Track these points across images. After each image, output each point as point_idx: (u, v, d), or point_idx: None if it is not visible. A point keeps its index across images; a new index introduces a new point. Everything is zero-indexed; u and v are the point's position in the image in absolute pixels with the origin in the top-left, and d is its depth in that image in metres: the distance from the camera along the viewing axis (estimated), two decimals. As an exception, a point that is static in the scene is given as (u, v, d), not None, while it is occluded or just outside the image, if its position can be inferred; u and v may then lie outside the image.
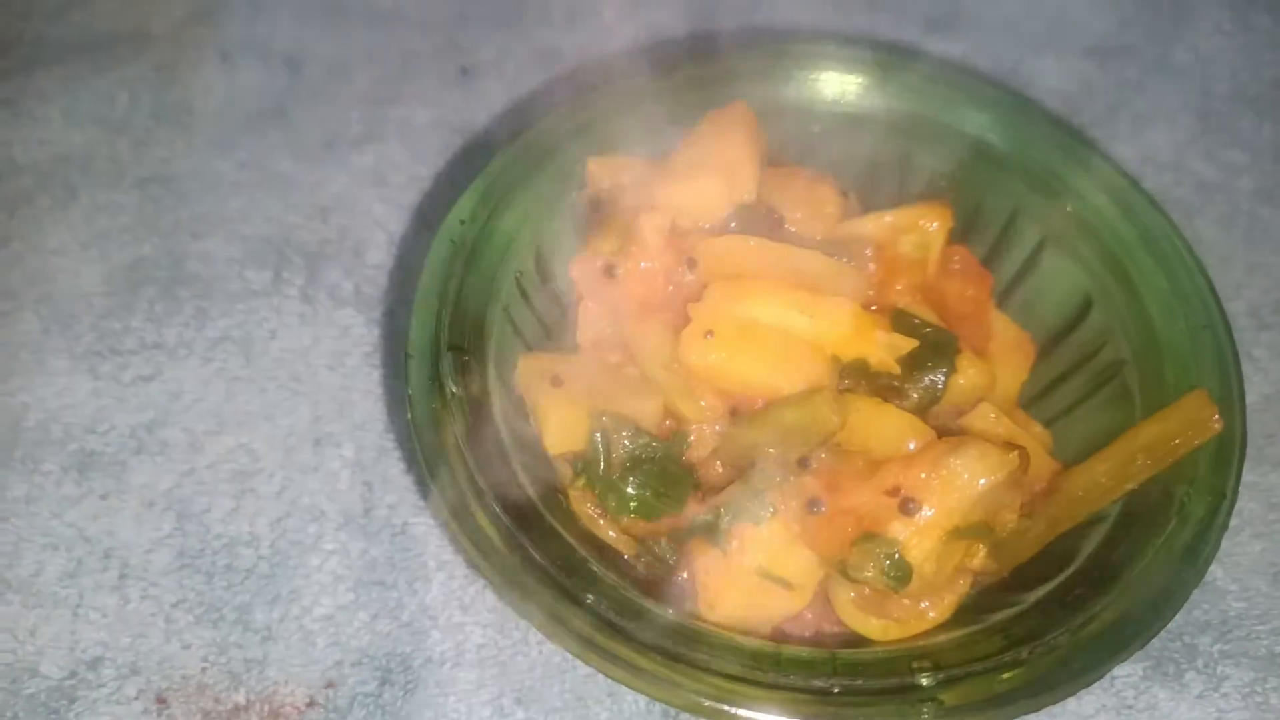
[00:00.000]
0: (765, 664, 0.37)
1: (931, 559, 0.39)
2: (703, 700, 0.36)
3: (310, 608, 0.51)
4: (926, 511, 0.38)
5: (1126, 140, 0.69)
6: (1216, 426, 0.41)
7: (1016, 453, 0.39)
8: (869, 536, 0.39)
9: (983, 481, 0.38)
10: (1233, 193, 0.66)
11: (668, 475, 0.43)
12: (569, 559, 0.40)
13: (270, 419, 0.57)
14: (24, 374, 0.58)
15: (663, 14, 0.74)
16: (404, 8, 0.75)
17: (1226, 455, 0.41)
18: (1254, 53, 0.74)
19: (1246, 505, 0.54)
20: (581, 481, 0.43)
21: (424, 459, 0.41)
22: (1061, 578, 0.41)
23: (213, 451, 0.56)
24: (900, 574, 0.39)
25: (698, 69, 0.53)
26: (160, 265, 0.63)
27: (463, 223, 0.47)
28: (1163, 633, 0.42)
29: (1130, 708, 0.48)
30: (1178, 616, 0.42)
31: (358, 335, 0.60)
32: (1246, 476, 0.54)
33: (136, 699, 0.49)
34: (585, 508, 0.44)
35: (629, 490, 0.43)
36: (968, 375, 0.44)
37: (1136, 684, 0.49)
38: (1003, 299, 0.52)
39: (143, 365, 0.59)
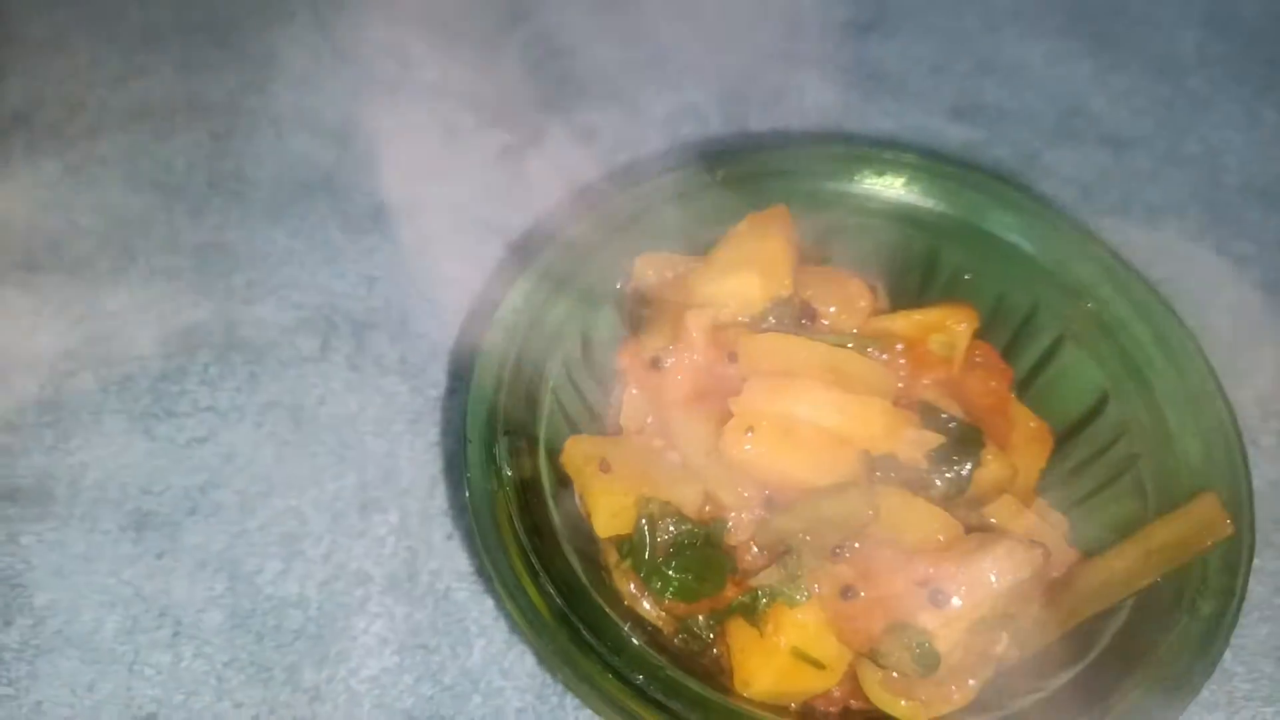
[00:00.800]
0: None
1: (959, 648, 0.41)
2: (743, 779, 0.38)
3: (357, 669, 0.54)
4: (955, 603, 0.41)
5: (1139, 228, 0.72)
6: (1228, 530, 0.44)
7: (1040, 551, 0.42)
8: (899, 625, 0.41)
9: (1010, 579, 0.41)
10: (1241, 283, 0.69)
11: (708, 560, 0.46)
12: (616, 637, 0.43)
13: (318, 483, 0.60)
14: (83, 434, 0.61)
15: (696, 95, 0.77)
16: (451, 83, 0.79)
17: (1235, 556, 0.44)
18: (1262, 146, 0.77)
19: (1254, 589, 0.55)
20: (627, 563, 0.46)
21: (481, 540, 0.44)
22: (1079, 666, 0.43)
23: (263, 514, 0.59)
24: (928, 661, 0.41)
25: (736, 166, 0.56)
26: (214, 330, 0.66)
27: (516, 310, 0.50)
28: (1173, 714, 0.44)
29: (1141, 787, 0.50)
30: (1185, 699, 0.44)
31: (403, 403, 0.63)
32: (1255, 562, 0.57)
33: (190, 756, 0.51)
34: (628, 586, 0.47)
35: (671, 574, 0.45)
36: (991, 469, 0.47)
37: (1147, 764, 0.51)
38: (1021, 389, 0.55)
39: (197, 427, 0.62)
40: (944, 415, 0.47)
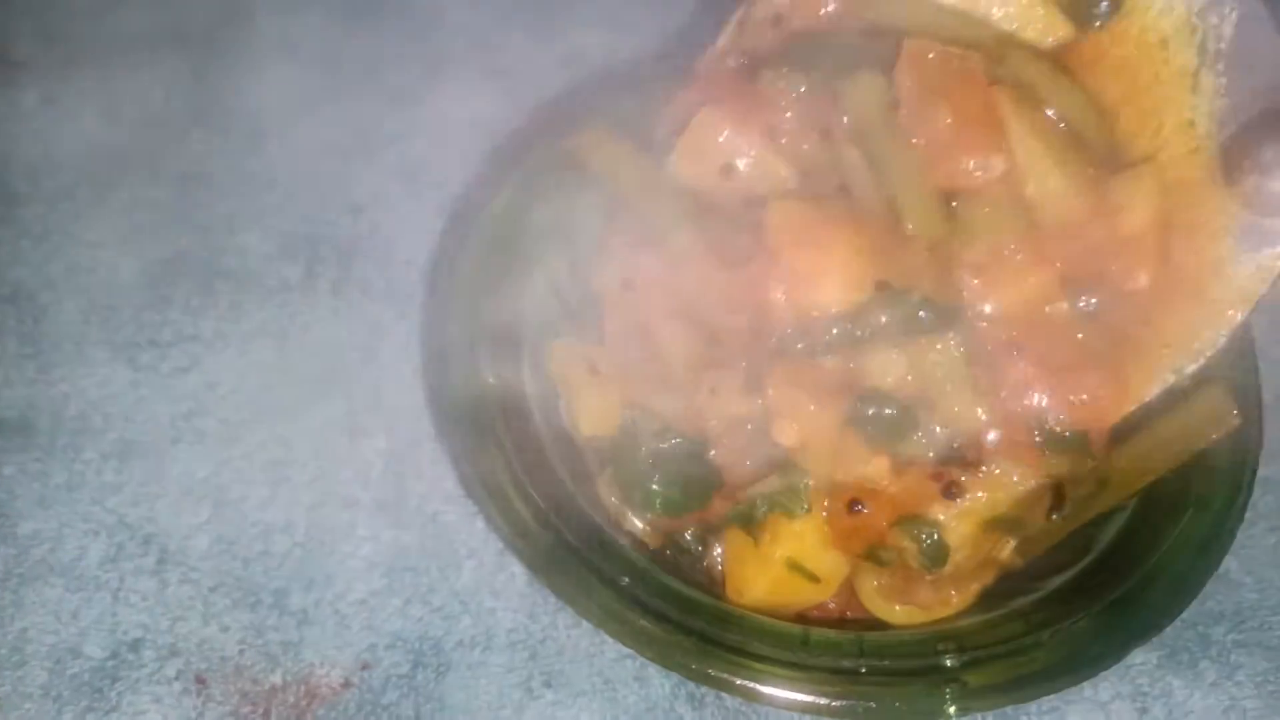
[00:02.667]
0: (794, 646, 0.39)
1: (967, 545, 0.40)
2: (734, 679, 0.37)
3: (344, 593, 0.53)
4: (969, 498, 0.39)
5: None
6: (1235, 421, 0.42)
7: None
8: (910, 518, 0.40)
9: (1032, 482, 0.40)
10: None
11: (693, 475, 0.44)
12: (602, 543, 0.42)
13: (304, 411, 0.59)
14: (65, 364, 0.60)
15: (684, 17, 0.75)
16: (439, 7, 0.77)
17: (1242, 450, 0.42)
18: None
19: (1263, 499, 0.55)
20: (608, 472, 0.44)
21: (463, 449, 0.42)
22: (1080, 566, 0.42)
23: (248, 441, 0.58)
24: (937, 554, 0.40)
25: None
26: (197, 259, 0.64)
27: (498, 217, 0.49)
28: (1178, 623, 0.43)
29: (1145, 695, 0.49)
30: (1193, 607, 0.43)
31: (389, 330, 0.62)
32: (1263, 471, 0.55)
33: (176, 679, 0.50)
34: (611, 500, 0.45)
35: (654, 487, 0.44)
36: None
37: (1151, 672, 0.50)
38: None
39: (180, 357, 0.60)
40: None
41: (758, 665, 0.38)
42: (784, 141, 0.41)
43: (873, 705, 0.36)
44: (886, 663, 0.38)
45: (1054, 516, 0.41)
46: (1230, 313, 0.40)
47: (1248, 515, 0.50)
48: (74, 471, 0.56)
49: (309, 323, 0.62)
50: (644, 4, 0.76)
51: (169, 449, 0.57)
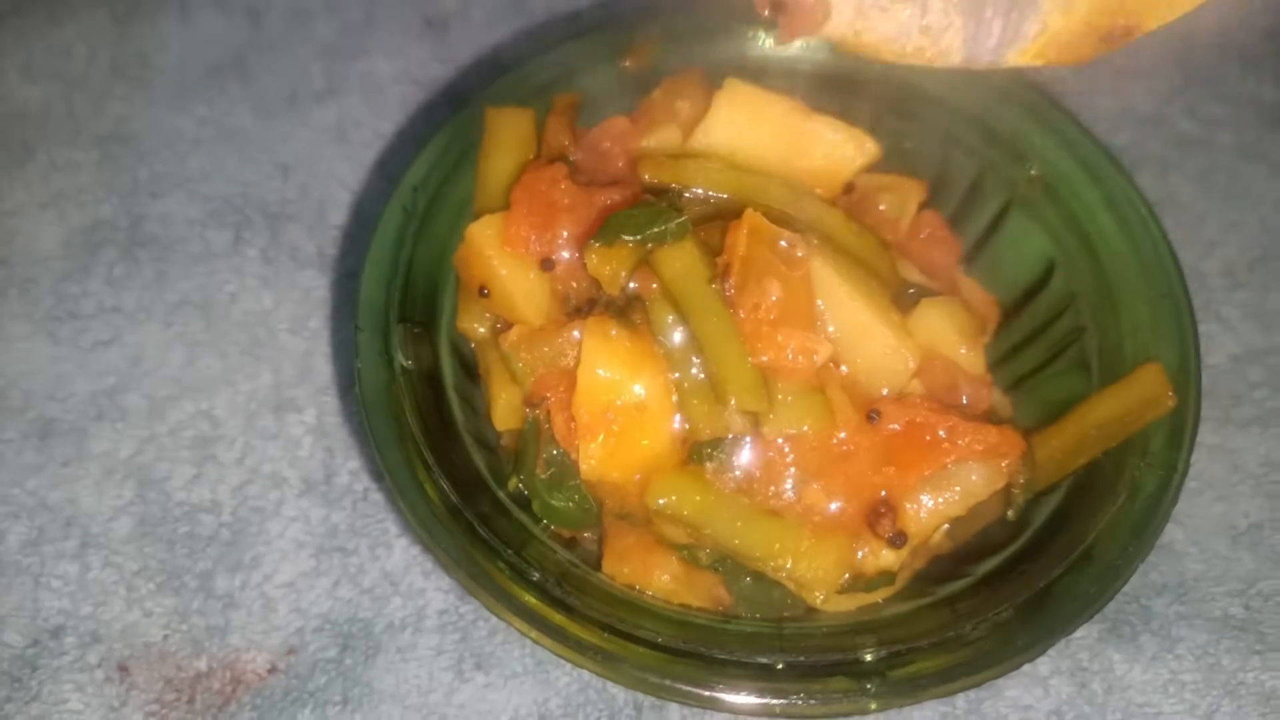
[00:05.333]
0: (711, 639, 0.37)
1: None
2: (648, 676, 0.36)
3: (272, 574, 0.51)
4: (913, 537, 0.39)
5: (1106, 94, 0.67)
6: (1170, 403, 0.41)
7: (1007, 466, 0.39)
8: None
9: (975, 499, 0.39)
10: (1212, 147, 0.65)
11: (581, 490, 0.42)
12: (516, 534, 0.40)
13: (231, 384, 0.57)
14: (-18, 339, 0.58)
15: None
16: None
17: (1179, 430, 0.41)
18: (1245, 2, 0.71)
19: (1209, 468, 0.54)
20: (514, 481, 0.43)
21: (373, 435, 0.41)
22: (1011, 550, 0.41)
23: (173, 418, 0.56)
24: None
25: (661, 27, 0.51)
26: (119, 226, 0.62)
27: (415, 189, 0.46)
28: (1119, 595, 0.42)
29: (1085, 670, 0.49)
30: (1135, 579, 0.42)
31: (320, 298, 0.60)
32: (1210, 439, 0.54)
33: (99, 667, 0.49)
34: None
35: (553, 502, 0.42)
36: None
37: (1092, 646, 0.49)
38: (968, 261, 0.51)
39: (102, 329, 0.58)
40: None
41: (673, 661, 0.36)
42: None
43: (793, 702, 0.35)
44: (805, 658, 0.37)
45: (1010, 515, 0.41)
46: None
47: (1193, 484, 0.49)
48: (-8, 452, 0.54)
49: (236, 292, 0.60)
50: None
51: (90, 427, 0.55)
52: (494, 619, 0.50)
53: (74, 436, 0.55)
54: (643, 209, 0.40)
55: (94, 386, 0.57)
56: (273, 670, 0.49)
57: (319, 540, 0.52)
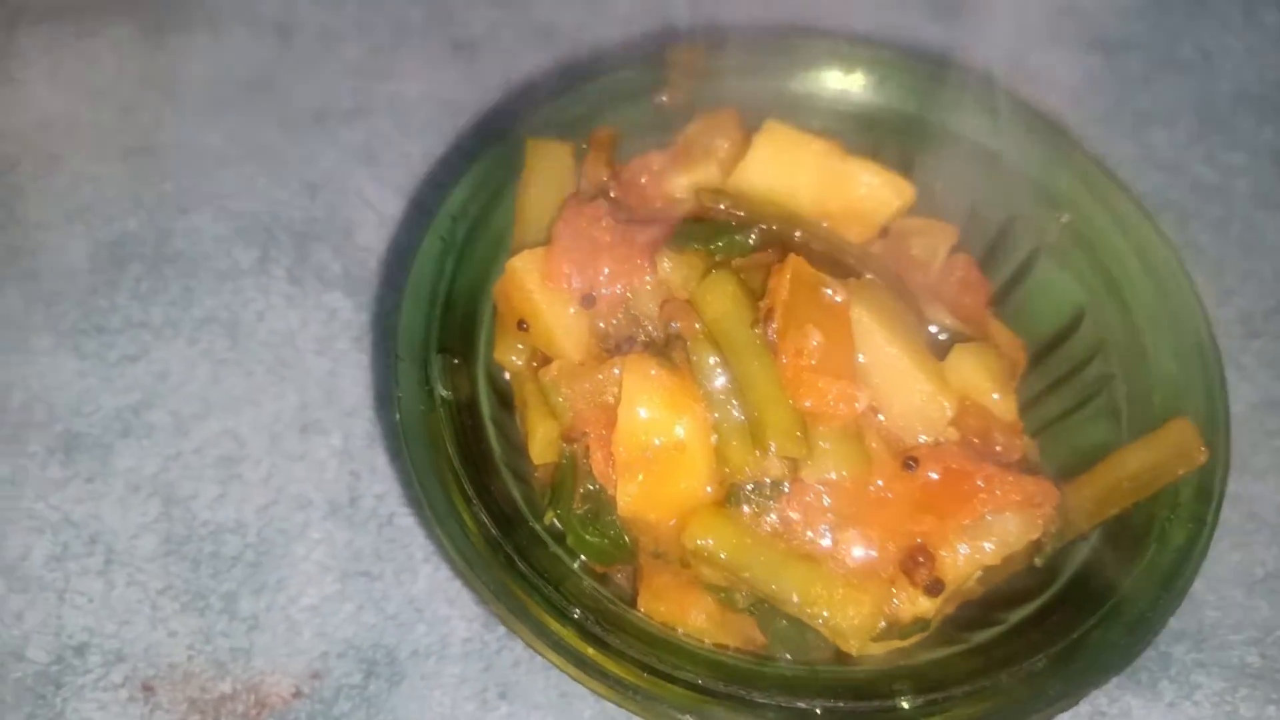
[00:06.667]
0: (749, 681, 0.38)
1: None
2: (687, 718, 0.37)
3: (296, 597, 0.52)
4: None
5: (1128, 138, 0.68)
6: (1202, 458, 0.41)
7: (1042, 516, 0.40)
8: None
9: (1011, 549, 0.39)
10: (1230, 196, 0.66)
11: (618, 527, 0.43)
12: (554, 568, 0.40)
13: (257, 404, 0.57)
14: (7, 352, 0.58)
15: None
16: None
17: (1208, 482, 0.41)
18: (1261, 52, 0.73)
19: (1227, 516, 0.53)
20: (551, 515, 0.43)
21: (413, 464, 0.41)
22: (1042, 600, 0.41)
23: (199, 436, 0.56)
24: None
25: (696, 60, 0.52)
26: (146, 241, 0.62)
27: (454, 219, 0.47)
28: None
29: (1104, 715, 0.49)
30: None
31: (346, 319, 0.60)
32: (1228, 487, 0.55)
33: (123, 686, 0.49)
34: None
35: (588, 537, 0.42)
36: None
37: (1110, 691, 0.50)
38: (995, 304, 0.52)
39: (128, 345, 0.58)
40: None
41: (710, 703, 0.37)
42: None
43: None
44: (841, 704, 0.37)
45: (1038, 562, 0.41)
46: None
47: (1212, 532, 0.50)
48: (17, 466, 0.54)
49: (262, 311, 0.60)
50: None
51: (116, 442, 0.55)
52: (518, 648, 0.50)
53: (99, 452, 0.55)
54: (710, 223, 0.41)
55: (119, 402, 0.57)
56: (297, 694, 0.49)
57: (344, 564, 0.52)
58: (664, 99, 0.51)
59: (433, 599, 0.52)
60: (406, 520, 0.54)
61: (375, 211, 0.64)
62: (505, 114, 0.66)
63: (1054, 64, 0.71)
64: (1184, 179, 0.67)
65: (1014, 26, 0.72)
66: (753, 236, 0.41)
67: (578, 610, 0.39)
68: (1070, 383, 0.49)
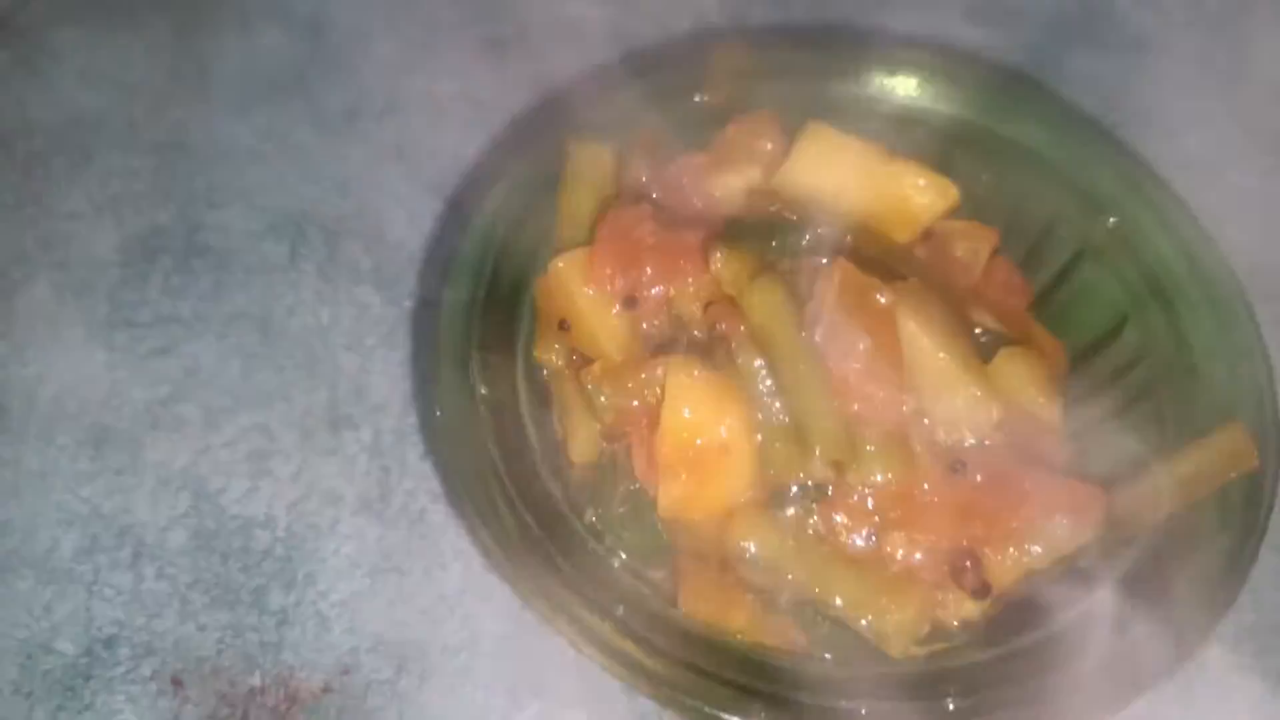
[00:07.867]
0: (795, 683, 0.37)
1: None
2: (728, 717, 0.36)
3: (326, 592, 0.51)
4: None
5: (1162, 140, 0.67)
6: (1253, 462, 0.41)
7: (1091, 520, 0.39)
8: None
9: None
10: (1268, 199, 0.65)
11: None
12: (595, 567, 0.40)
13: (287, 399, 0.57)
14: (39, 344, 0.57)
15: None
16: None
17: (1257, 489, 0.41)
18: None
19: (1266, 521, 0.54)
20: (591, 514, 0.43)
21: (453, 463, 0.41)
22: (1089, 603, 0.41)
23: (229, 430, 0.56)
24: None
25: (737, 62, 0.52)
26: (176, 234, 0.62)
27: (495, 217, 0.46)
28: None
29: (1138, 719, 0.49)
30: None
31: (376, 315, 0.60)
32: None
33: (152, 679, 0.49)
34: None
35: (628, 537, 0.42)
36: None
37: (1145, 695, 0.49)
38: (1037, 307, 0.51)
39: (159, 338, 0.58)
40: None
41: (759, 704, 0.36)
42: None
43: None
44: (888, 705, 0.37)
45: (1084, 566, 0.41)
46: None
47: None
48: (47, 458, 0.54)
49: (293, 306, 0.60)
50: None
51: (146, 436, 0.55)
52: (551, 646, 0.50)
53: (129, 445, 0.55)
54: (762, 221, 0.41)
55: (149, 395, 0.56)
56: (327, 689, 0.49)
57: (374, 560, 0.52)
58: (707, 99, 0.51)
59: (464, 595, 0.51)
60: (437, 516, 0.53)
61: (406, 208, 0.64)
62: (540, 113, 0.65)
63: (1088, 64, 0.70)
64: (1220, 181, 0.66)
65: (1048, 27, 0.72)
66: (807, 237, 0.41)
67: (620, 608, 0.38)
68: (1113, 387, 0.48)
